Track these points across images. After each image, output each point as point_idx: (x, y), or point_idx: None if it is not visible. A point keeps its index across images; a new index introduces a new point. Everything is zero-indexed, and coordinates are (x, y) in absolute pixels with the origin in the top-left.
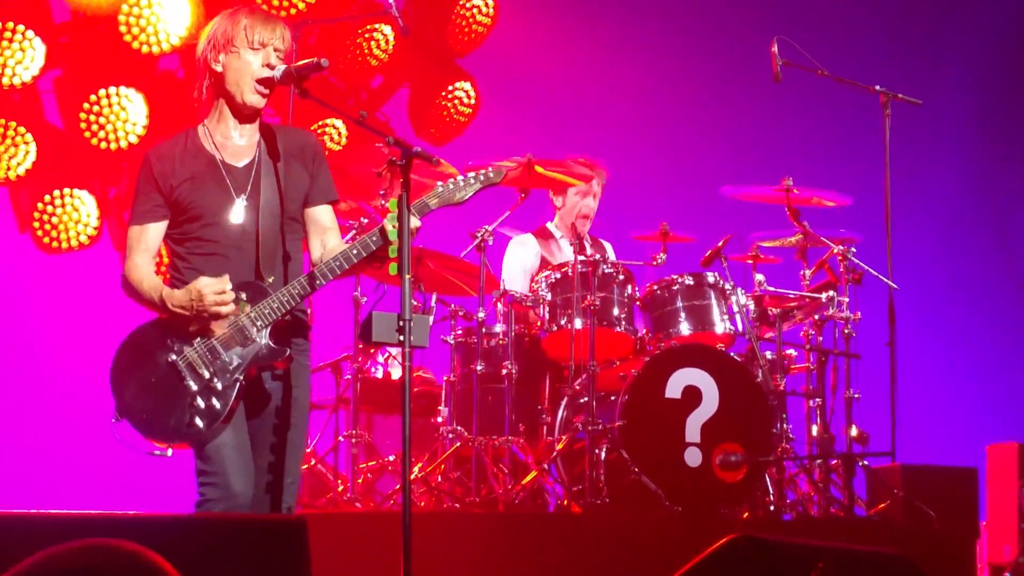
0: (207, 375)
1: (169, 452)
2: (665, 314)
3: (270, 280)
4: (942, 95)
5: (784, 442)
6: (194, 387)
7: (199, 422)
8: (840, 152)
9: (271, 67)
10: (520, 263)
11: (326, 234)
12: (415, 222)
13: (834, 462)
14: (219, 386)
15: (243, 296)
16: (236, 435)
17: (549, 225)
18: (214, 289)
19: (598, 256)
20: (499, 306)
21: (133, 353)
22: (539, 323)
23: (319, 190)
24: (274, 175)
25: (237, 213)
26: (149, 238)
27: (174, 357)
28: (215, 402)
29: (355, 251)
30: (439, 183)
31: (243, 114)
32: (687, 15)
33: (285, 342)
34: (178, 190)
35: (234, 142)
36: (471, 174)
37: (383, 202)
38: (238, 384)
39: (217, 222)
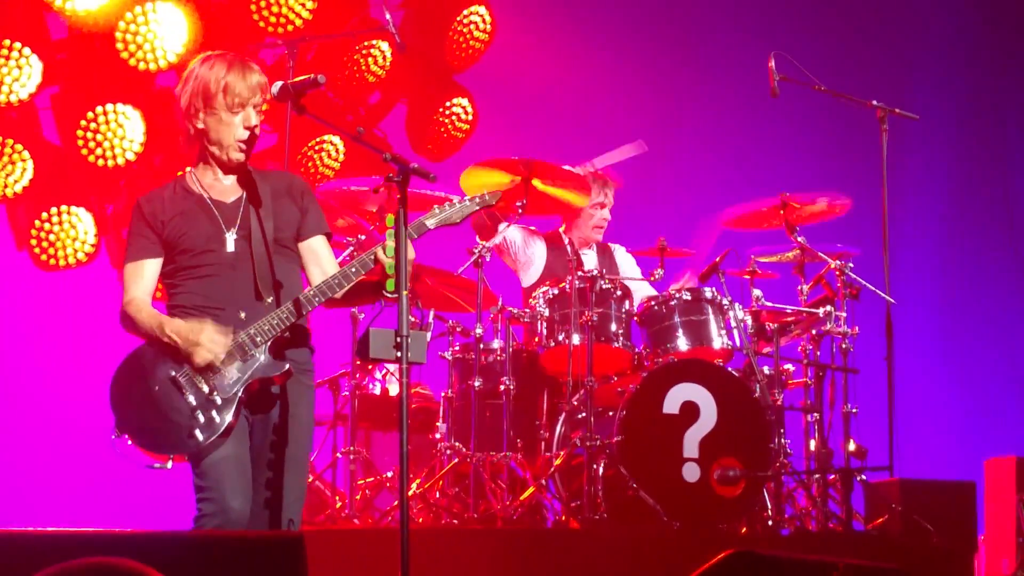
0: (207, 390)
1: (169, 465)
2: (663, 329)
3: (268, 300)
4: (939, 109)
5: (782, 457)
6: (194, 401)
7: (199, 435)
8: (837, 167)
9: (250, 128)
10: (524, 242)
11: (323, 262)
12: (411, 252)
13: (832, 477)
14: (219, 400)
15: (242, 315)
16: (236, 452)
17: (561, 232)
18: (213, 333)
19: (595, 272)
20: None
21: (134, 369)
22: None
23: (311, 224)
24: (263, 209)
25: (228, 244)
26: (145, 274)
27: (174, 372)
28: (215, 416)
29: (353, 269)
30: (436, 206)
31: (229, 166)
32: (685, 31)
33: (284, 358)
34: (169, 225)
35: (222, 183)
36: (467, 197)
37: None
38: (238, 399)
39: (209, 250)
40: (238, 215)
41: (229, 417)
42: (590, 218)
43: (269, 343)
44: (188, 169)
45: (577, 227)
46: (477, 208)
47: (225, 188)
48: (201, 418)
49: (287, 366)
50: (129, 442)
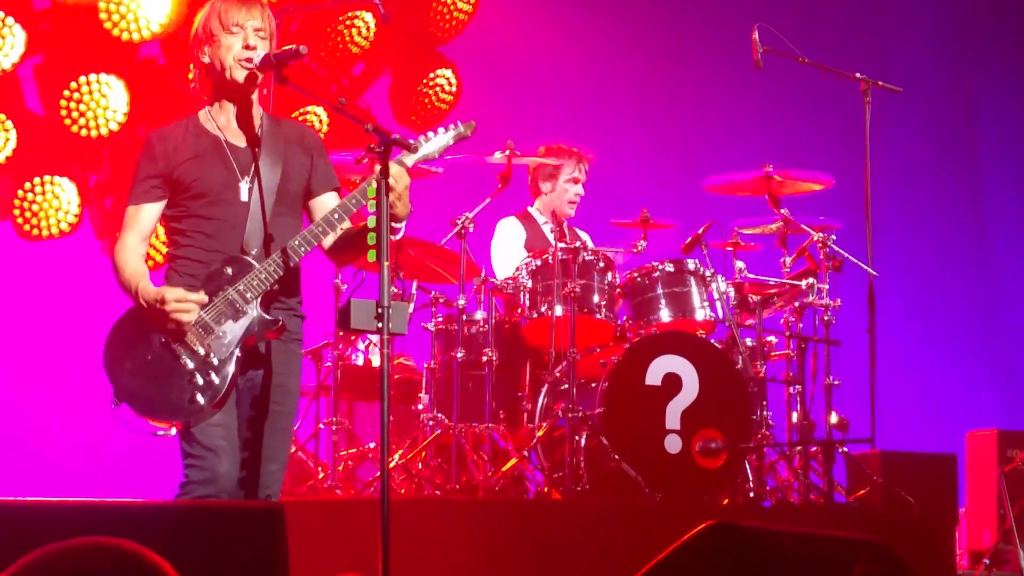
0: (202, 351)
1: (173, 431)
2: (645, 301)
3: (253, 253)
4: (921, 82)
5: (764, 429)
6: (191, 364)
7: (200, 398)
8: (821, 139)
9: (250, 48)
10: (515, 239)
11: None
12: (406, 178)
13: (814, 449)
14: (216, 361)
15: (228, 271)
16: (224, 418)
17: (531, 210)
18: (176, 296)
19: (578, 243)
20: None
21: (125, 337)
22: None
23: (321, 178)
24: (275, 157)
25: (241, 193)
26: (143, 219)
27: (165, 337)
28: (214, 377)
29: (336, 215)
30: (411, 140)
31: (237, 95)
32: (668, 3)
33: (276, 313)
34: (180, 168)
35: (236, 125)
36: (441, 128)
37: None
38: (235, 357)
39: (221, 200)
40: (251, 162)
41: (229, 377)
42: (564, 192)
43: (260, 298)
44: (206, 107)
45: (551, 201)
46: (452, 141)
47: (240, 131)
48: (200, 381)
49: (280, 320)
50: (130, 410)
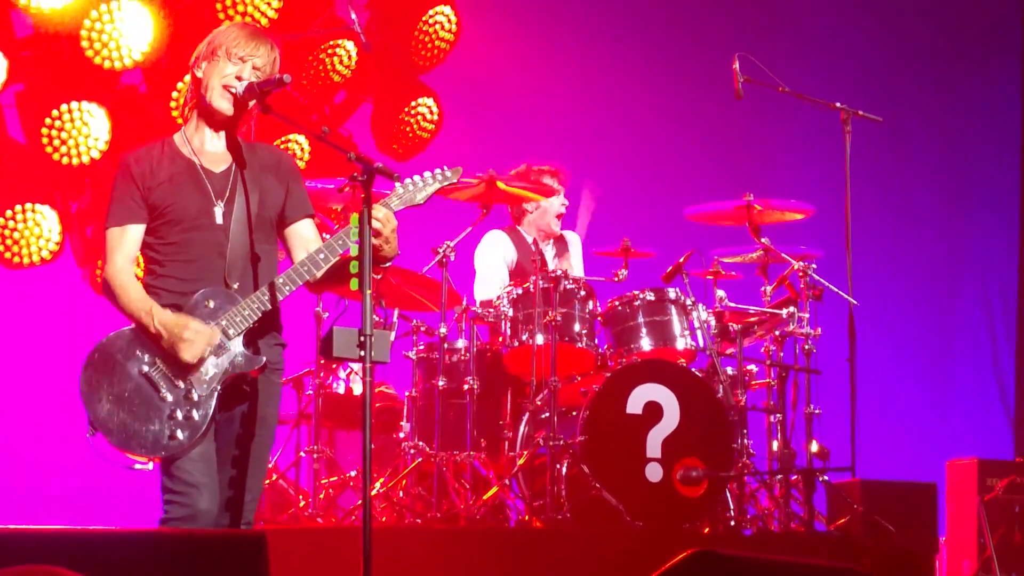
0: (183, 386)
1: (150, 465)
2: (626, 329)
3: (235, 287)
4: (901, 112)
5: (745, 457)
6: (171, 398)
7: (180, 435)
8: (801, 168)
9: (240, 79)
10: (500, 256)
11: (310, 245)
12: (393, 221)
13: (794, 477)
14: (196, 397)
15: (210, 304)
16: (204, 452)
17: (519, 228)
18: (197, 327)
19: (560, 271)
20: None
21: (102, 364)
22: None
23: (296, 205)
24: (251, 184)
25: (217, 216)
26: (128, 240)
27: (147, 368)
28: (195, 413)
29: (321, 255)
30: (398, 184)
31: (215, 120)
32: (648, 33)
33: (259, 349)
34: (156, 191)
35: (211, 149)
36: (427, 173)
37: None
38: (216, 393)
39: (197, 226)
40: (227, 187)
41: (210, 413)
42: (550, 208)
43: (242, 334)
44: (181, 128)
45: (535, 221)
46: (439, 185)
47: (215, 156)
48: (180, 416)
49: (263, 359)
50: (105, 441)
